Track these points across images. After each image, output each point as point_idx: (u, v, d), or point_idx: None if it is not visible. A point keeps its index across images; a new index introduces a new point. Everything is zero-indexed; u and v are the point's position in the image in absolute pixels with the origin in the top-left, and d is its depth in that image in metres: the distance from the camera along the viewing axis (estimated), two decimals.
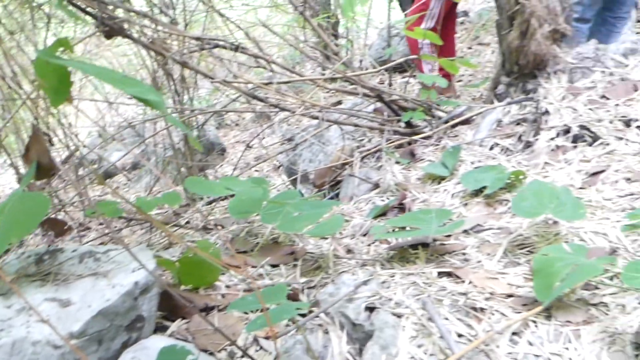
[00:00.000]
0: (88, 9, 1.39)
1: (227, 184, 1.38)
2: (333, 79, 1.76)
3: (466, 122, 2.13)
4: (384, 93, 1.98)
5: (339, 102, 3.84)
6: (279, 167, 3.20)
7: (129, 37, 1.40)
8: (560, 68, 1.89)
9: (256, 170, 3.22)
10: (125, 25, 1.41)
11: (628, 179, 1.39)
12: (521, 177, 1.52)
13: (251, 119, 5.21)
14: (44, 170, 0.99)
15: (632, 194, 1.32)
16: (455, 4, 3.03)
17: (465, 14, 6.74)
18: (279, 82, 1.56)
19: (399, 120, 2.13)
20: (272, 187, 2.95)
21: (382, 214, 1.63)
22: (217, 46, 1.68)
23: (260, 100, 1.64)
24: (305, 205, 1.28)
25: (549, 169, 1.59)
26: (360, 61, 4.65)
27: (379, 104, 2.19)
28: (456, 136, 2.06)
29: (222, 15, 1.72)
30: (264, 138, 4.40)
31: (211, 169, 3.31)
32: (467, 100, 3.20)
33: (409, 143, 2.08)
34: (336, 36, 4.46)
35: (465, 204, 1.55)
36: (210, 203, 2.87)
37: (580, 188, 1.44)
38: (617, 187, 1.38)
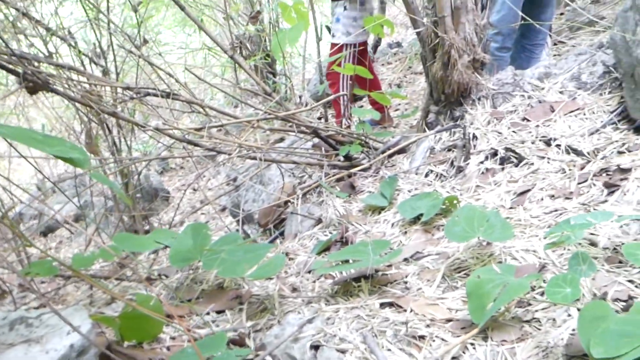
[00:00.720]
0: (9, 66, 1.37)
1: (157, 237, 1.37)
2: (268, 119, 1.79)
3: (402, 151, 2.20)
4: (320, 129, 2.02)
5: (282, 139, 3.89)
6: (224, 208, 3.19)
7: (54, 91, 1.39)
8: (484, 94, 1.99)
9: (202, 214, 3.19)
10: (51, 80, 1.39)
11: (552, 196, 1.47)
12: (455, 202, 1.58)
13: (196, 160, 5.18)
14: None
15: (556, 210, 1.40)
16: (366, 46, 3.26)
17: (399, 44, 7.00)
18: (210, 125, 1.57)
19: (337, 154, 2.18)
20: (219, 229, 2.93)
21: (325, 249, 1.64)
22: (148, 94, 1.68)
23: (196, 144, 1.64)
24: (240, 250, 1.29)
25: (480, 192, 1.66)
26: (300, 97, 4.73)
27: (316, 140, 2.24)
28: (393, 165, 2.13)
29: (151, 64, 1.72)
30: (209, 180, 4.37)
31: (155, 216, 3.25)
32: (404, 128, 3.31)
33: (349, 176, 2.12)
34: (274, 74, 4.53)
35: (405, 232, 1.59)
36: (155, 252, 2.81)
37: (510, 208, 1.51)
38: (543, 204, 1.45)
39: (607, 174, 1.46)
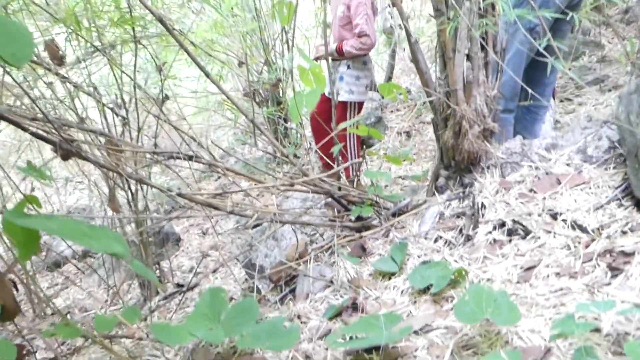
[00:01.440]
0: (46, 136, 1.46)
1: (192, 328, 1.41)
2: (286, 185, 1.87)
3: (411, 212, 2.27)
4: (333, 190, 2.09)
5: (292, 185, 3.98)
6: (235, 257, 3.24)
7: (86, 158, 1.47)
8: (492, 163, 2.07)
9: (212, 260, 3.24)
10: (83, 147, 1.48)
11: (557, 274, 1.52)
12: (463, 273, 1.64)
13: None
14: (9, 313, 1.02)
15: (561, 289, 1.45)
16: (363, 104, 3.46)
17: (408, 91, 7.14)
18: (231, 191, 1.65)
19: (348, 214, 2.25)
20: (228, 275, 2.98)
21: (337, 314, 1.70)
22: (171, 157, 1.77)
23: (216, 208, 1.71)
24: (263, 332, 1.35)
25: (488, 263, 1.71)
26: (310, 145, 4.84)
27: (329, 199, 2.31)
28: (403, 227, 2.19)
29: (175, 127, 1.81)
30: (217, 222, 4.43)
31: (166, 261, 3.31)
32: (412, 184, 3.39)
33: (360, 235, 2.18)
34: (285, 120, 4.64)
35: (414, 302, 1.64)
36: (165, 298, 2.86)
37: (517, 282, 1.56)
38: (549, 282, 1.51)
39: (611, 255, 1.52)
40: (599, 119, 2.17)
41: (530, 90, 2.10)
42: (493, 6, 2.00)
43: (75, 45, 1.96)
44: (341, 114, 3.35)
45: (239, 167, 5.94)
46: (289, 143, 4.71)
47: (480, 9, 1.91)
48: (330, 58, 3.28)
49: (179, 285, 2.90)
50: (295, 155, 4.82)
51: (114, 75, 2.15)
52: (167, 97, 2.38)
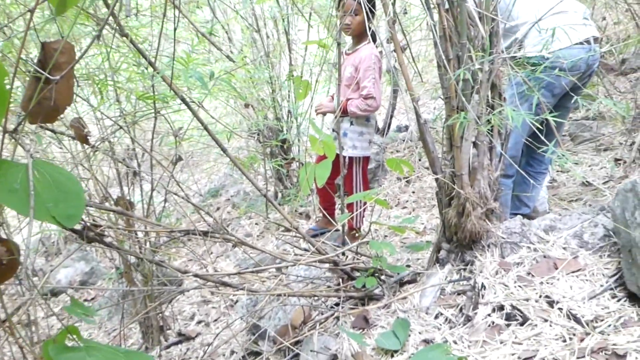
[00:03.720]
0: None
1: None
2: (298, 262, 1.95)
3: (413, 281, 2.35)
4: (338, 260, 2.18)
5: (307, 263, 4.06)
6: (235, 302, 3.30)
7: (109, 245, 1.55)
8: (493, 242, 2.16)
9: (213, 307, 3.30)
10: (106, 233, 1.56)
11: None
12: None
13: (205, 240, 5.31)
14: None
15: None
16: (368, 160, 3.66)
17: (407, 128, 7.26)
18: (247, 271, 1.73)
19: (352, 281, 2.33)
20: (230, 326, 3.03)
21: None
22: (187, 233, 1.85)
23: (230, 286, 1.79)
24: None
25: (487, 349, 1.79)
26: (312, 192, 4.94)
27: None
28: (404, 297, 2.27)
29: (196, 206, 1.89)
30: (214, 261, 4.49)
31: (167, 304, 3.37)
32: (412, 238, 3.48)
33: (363, 304, 2.26)
34: (290, 163, 4.74)
35: None
36: (168, 347, 2.92)
37: None
38: None
39: (605, 353, 1.60)
40: (597, 204, 2.27)
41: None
42: (500, 95, 2.11)
43: (98, 119, 2.05)
44: (337, 166, 3.42)
45: (238, 200, 6.03)
46: (291, 184, 4.80)
47: (488, 101, 2.02)
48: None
49: (180, 335, 2.95)
50: (295, 195, 4.92)
51: (132, 141, 2.23)
52: (180, 159, 2.47)
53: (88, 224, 1.53)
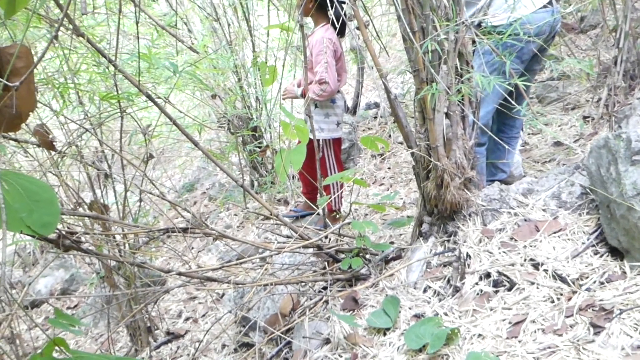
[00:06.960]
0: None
1: None
2: (282, 249, 1.93)
3: (398, 257, 2.36)
4: (322, 244, 2.16)
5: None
6: (222, 296, 3.27)
7: (87, 251, 1.50)
8: (474, 210, 2.17)
9: (200, 303, 3.27)
10: (83, 239, 1.51)
11: (543, 330, 1.62)
12: (456, 331, 1.73)
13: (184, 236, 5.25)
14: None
15: (549, 347, 1.55)
16: (341, 141, 3.63)
17: (377, 105, 7.24)
18: (229, 264, 1.70)
19: (337, 264, 2.32)
20: (219, 321, 3.01)
21: None
22: (166, 232, 1.80)
23: (214, 280, 1.76)
24: None
25: (477, 317, 1.81)
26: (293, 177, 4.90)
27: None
28: (392, 275, 2.27)
29: (171, 203, 1.85)
30: (196, 256, 4.45)
31: (153, 304, 3.32)
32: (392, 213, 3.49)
33: (350, 285, 2.26)
34: (261, 146, 4.69)
35: None
36: (157, 347, 2.88)
37: (507, 338, 1.66)
38: (536, 338, 1.61)
39: (593, 310, 1.63)
40: (571, 163, 2.29)
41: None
42: (467, 63, 2.10)
43: (62, 123, 1.98)
44: (313, 151, 3.38)
45: (214, 192, 5.96)
46: (266, 171, 4.76)
47: (456, 70, 2.00)
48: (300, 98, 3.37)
49: (169, 334, 2.91)
50: (272, 182, 4.88)
51: (100, 143, 2.17)
52: (151, 156, 2.41)
53: (63, 232, 1.48)
